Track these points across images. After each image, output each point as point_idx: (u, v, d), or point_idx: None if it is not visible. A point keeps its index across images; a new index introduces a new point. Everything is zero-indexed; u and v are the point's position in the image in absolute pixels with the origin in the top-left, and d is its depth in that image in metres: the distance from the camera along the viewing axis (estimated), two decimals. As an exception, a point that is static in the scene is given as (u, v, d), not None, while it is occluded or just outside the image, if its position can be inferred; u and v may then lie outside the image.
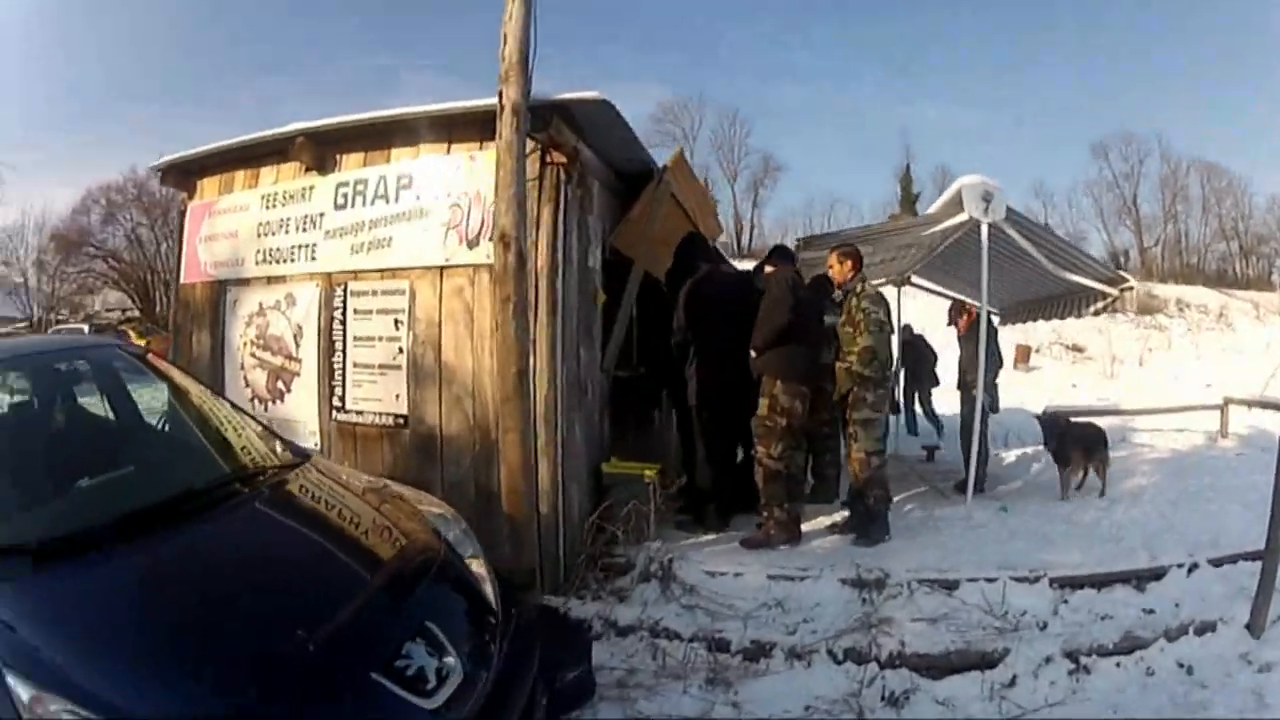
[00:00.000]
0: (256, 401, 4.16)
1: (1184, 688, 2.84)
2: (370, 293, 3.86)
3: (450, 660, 1.83)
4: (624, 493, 3.81)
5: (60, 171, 52.89)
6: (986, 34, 52.77)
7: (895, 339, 5.41)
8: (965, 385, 5.83)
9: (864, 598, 3.48)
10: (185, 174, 4.54)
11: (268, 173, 4.23)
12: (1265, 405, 8.61)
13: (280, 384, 4.10)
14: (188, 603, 1.79)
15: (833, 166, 62.88)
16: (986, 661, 2.99)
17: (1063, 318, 7.47)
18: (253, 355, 4.18)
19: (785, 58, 55.80)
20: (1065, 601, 3.63)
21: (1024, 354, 17.56)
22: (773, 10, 54.71)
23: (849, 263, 4.28)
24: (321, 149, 4.01)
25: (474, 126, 3.65)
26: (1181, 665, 3.08)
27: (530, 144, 3.51)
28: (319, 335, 3.98)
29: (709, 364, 4.19)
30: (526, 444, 3.28)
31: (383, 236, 3.83)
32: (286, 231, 4.09)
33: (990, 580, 3.56)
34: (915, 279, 7.67)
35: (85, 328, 20.73)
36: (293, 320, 4.06)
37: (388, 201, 3.84)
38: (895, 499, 4.64)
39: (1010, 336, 17.19)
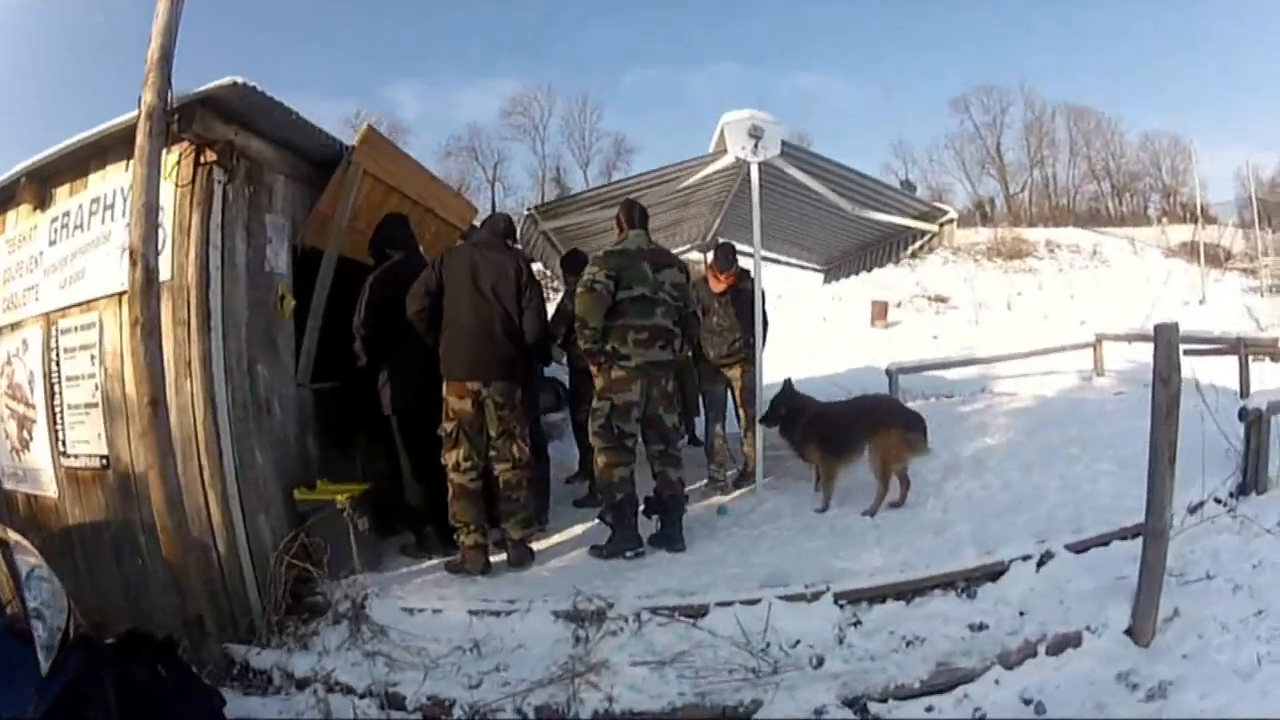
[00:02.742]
0: (14, 453, 4.05)
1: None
2: (74, 329, 3.64)
3: None
4: (321, 521, 3.37)
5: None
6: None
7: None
8: (708, 359, 5.02)
9: (578, 635, 2.86)
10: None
11: (11, 216, 4.15)
12: (1142, 338, 7.48)
13: (26, 433, 3.97)
14: None
15: (688, 144, 58.61)
16: (725, 720, 2.30)
17: (882, 265, 6.50)
18: (7, 406, 4.09)
19: (633, 41, 53.83)
20: (856, 623, 2.89)
21: (881, 310, 16.50)
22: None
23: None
24: (43, 186, 3.87)
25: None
26: (1028, 701, 2.33)
27: (186, 147, 3.24)
28: (44, 379, 3.82)
29: (402, 367, 3.69)
30: (168, 479, 2.95)
31: (80, 268, 3.62)
32: (21, 276, 3.98)
33: (750, 602, 2.83)
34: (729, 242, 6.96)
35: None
36: (27, 366, 3.92)
37: (83, 230, 3.63)
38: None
39: (866, 292, 16.95)
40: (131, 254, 2.98)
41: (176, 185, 3.26)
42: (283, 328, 3.60)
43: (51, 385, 3.76)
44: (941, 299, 18.31)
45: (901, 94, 52.24)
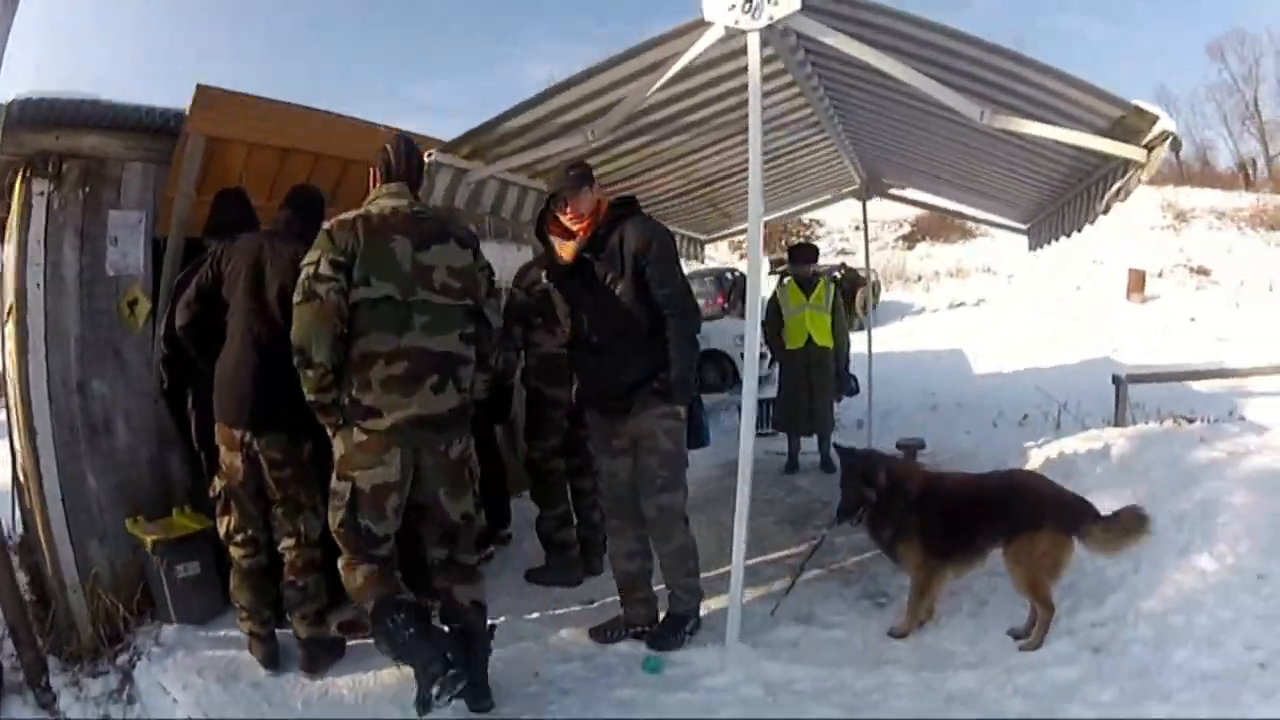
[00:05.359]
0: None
1: None
2: None
3: None
4: (148, 557, 3.10)
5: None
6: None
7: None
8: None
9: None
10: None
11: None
12: None
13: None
14: None
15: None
16: None
17: (1079, 226, 3.95)
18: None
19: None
20: None
21: (1139, 281, 13.94)
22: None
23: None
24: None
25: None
26: None
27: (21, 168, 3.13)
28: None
29: (208, 391, 2.86)
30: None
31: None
32: None
33: None
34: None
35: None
36: None
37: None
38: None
39: (1126, 257, 14.78)
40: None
41: (16, 208, 3.16)
42: (131, 337, 3.31)
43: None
44: (1203, 271, 15.82)
45: (1157, 35, 45.14)
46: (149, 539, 3.06)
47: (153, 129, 3.31)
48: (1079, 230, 4.03)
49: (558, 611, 3.26)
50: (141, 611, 3.14)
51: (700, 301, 14.22)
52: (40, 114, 3.00)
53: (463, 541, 2.52)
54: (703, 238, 6.85)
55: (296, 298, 2.30)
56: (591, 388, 2.87)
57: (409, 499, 2.43)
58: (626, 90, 3.23)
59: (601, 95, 3.32)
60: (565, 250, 2.79)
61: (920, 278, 19.37)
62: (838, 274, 14.75)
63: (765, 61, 3.03)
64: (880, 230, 23.20)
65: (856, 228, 22.79)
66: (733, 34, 2.72)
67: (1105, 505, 3.10)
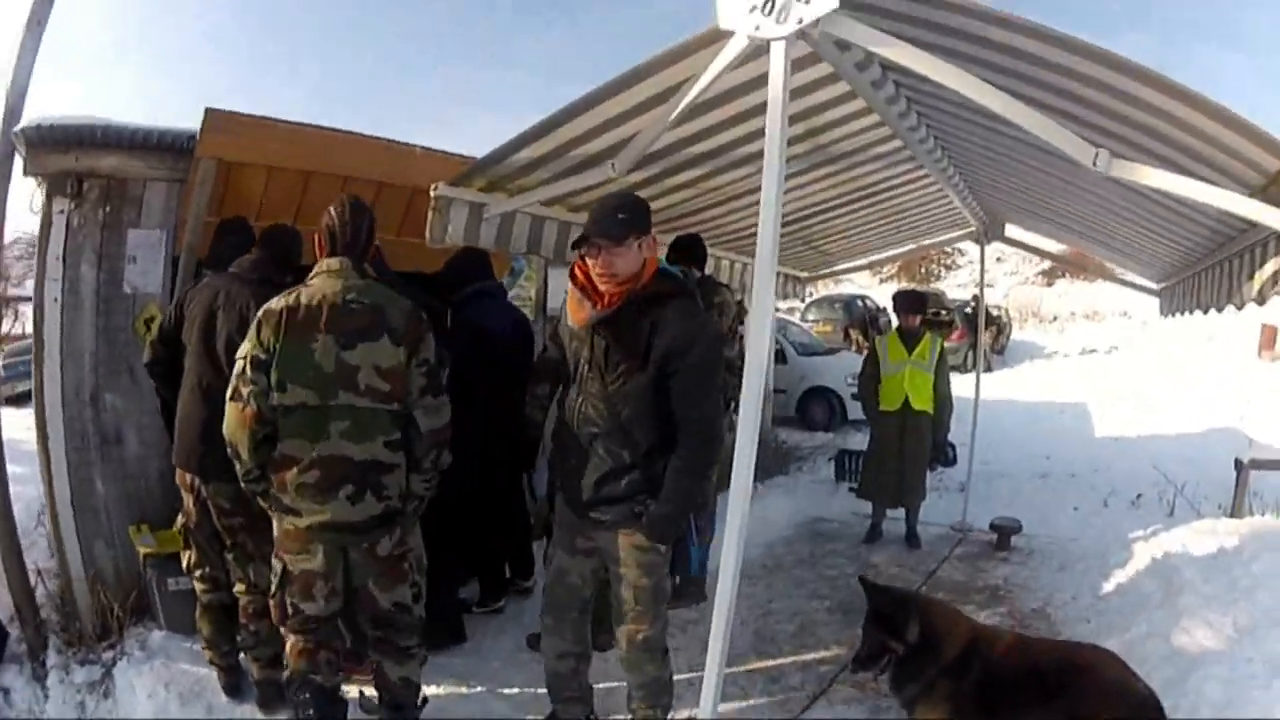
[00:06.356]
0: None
1: None
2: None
3: None
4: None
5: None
6: None
7: None
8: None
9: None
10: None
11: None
12: None
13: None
14: None
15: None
16: None
17: (1219, 304, 3.30)
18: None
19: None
20: None
21: (1270, 337, 12.85)
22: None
23: None
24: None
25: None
26: None
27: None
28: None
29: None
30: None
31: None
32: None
33: None
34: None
35: None
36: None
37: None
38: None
39: (1253, 314, 11.08)
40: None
41: (39, 226, 3.28)
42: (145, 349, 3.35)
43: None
44: (1337, 324, 13.84)
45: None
46: (143, 551, 3.23)
47: (176, 149, 3.37)
48: (1219, 310, 3.38)
49: (540, 690, 2.74)
50: (139, 611, 3.33)
51: (827, 329, 14.04)
52: (56, 136, 3.14)
53: (398, 626, 2.47)
54: (804, 275, 6.44)
55: (228, 391, 2.28)
56: (565, 476, 2.36)
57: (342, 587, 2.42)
58: (647, 118, 2.63)
59: (620, 124, 2.77)
60: (578, 315, 2.22)
61: (1055, 318, 18.66)
62: (969, 309, 14.34)
63: (827, 81, 2.68)
64: (1020, 264, 22.50)
65: (999, 259, 21.16)
66: (755, 46, 2.06)
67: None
